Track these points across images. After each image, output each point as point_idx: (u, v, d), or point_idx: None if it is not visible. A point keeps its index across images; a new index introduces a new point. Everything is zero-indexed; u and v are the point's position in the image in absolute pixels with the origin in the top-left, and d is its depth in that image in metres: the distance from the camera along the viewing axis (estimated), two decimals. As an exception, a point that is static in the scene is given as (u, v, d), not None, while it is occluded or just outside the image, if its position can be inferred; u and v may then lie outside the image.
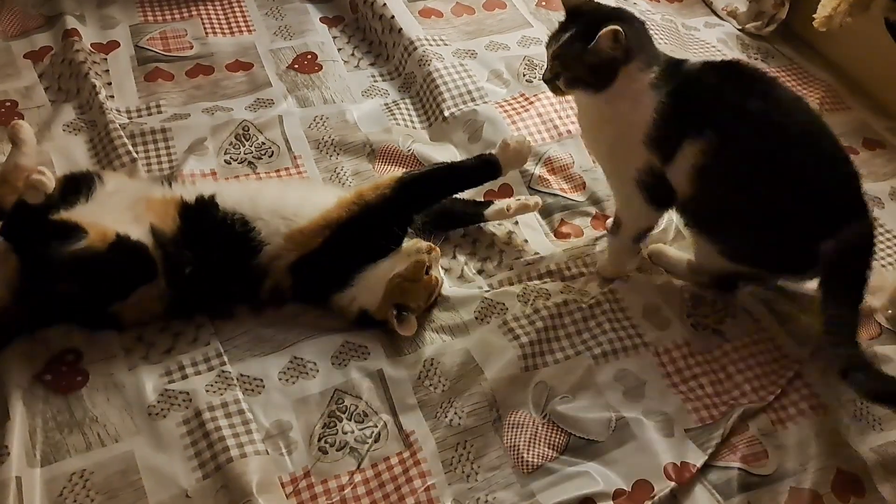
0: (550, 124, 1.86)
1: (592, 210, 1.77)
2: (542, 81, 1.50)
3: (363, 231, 1.49)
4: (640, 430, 1.39)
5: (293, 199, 1.53)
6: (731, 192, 1.41)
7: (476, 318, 1.53)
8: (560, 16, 2.13)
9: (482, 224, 1.70)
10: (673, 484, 1.31)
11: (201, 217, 1.49)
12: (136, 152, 1.76)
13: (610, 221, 1.72)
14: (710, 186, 1.41)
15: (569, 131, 1.86)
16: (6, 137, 1.68)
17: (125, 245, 1.40)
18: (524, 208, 1.69)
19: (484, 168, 1.57)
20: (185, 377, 1.41)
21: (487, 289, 1.60)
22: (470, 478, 1.33)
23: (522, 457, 1.36)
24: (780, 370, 1.49)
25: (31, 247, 1.38)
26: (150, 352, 1.45)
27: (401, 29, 2.05)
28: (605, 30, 1.32)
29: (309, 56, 2.08)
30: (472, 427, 1.38)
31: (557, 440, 1.38)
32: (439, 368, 1.45)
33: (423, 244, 1.49)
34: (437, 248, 1.50)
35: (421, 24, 2.09)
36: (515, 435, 1.38)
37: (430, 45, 2.02)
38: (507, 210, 1.68)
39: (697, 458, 1.35)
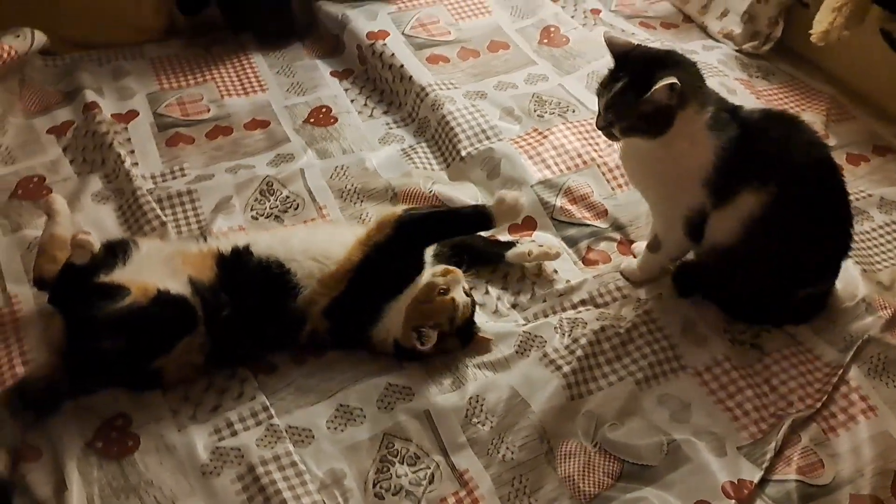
0: (567, 156, 1.90)
1: (617, 236, 1.79)
2: (591, 123, 1.56)
3: (379, 269, 1.51)
4: (693, 452, 1.39)
5: (321, 239, 1.57)
6: (775, 245, 1.46)
7: (516, 353, 1.54)
8: (562, 52, 2.26)
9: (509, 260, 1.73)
10: (733, 502, 1.31)
11: (237, 264, 1.52)
12: (165, 215, 1.79)
13: (637, 246, 1.75)
14: (758, 236, 1.45)
15: (585, 162, 1.89)
16: (39, 212, 1.73)
17: (166, 298, 1.42)
18: (545, 256, 1.70)
19: (477, 218, 1.59)
20: (234, 433, 1.42)
21: (523, 322, 1.62)
22: (529, 512, 1.33)
23: (579, 487, 1.35)
24: (824, 378, 1.50)
25: (78, 308, 1.41)
26: (196, 411, 1.45)
27: (411, 76, 2.10)
28: (660, 84, 1.34)
29: (324, 110, 2.12)
30: (525, 461, 1.38)
31: (612, 468, 1.38)
32: (485, 405, 1.46)
33: (439, 268, 1.52)
34: (456, 271, 1.52)
35: (430, 70, 2.15)
36: (569, 465, 1.38)
37: (441, 89, 2.07)
38: (529, 255, 1.69)
39: (753, 474, 1.35)
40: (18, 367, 1.47)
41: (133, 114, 2.08)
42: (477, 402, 1.46)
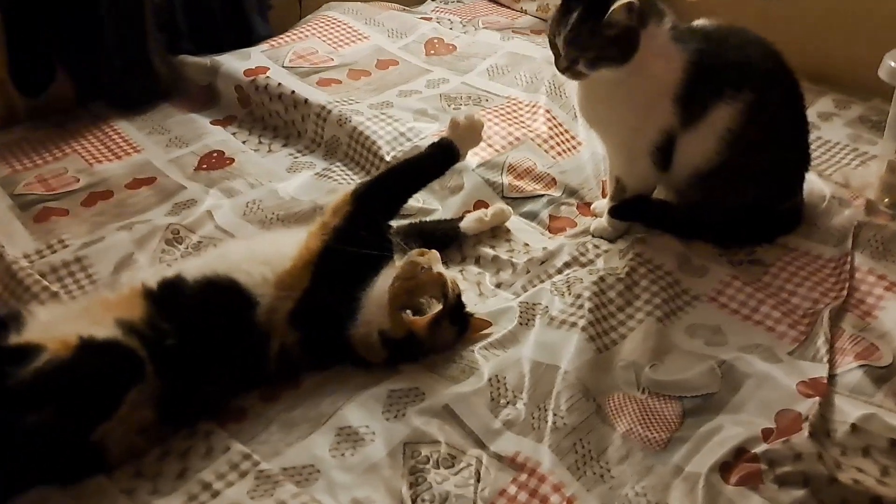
0: (497, 137, 1.78)
1: (573, 201, 1.68)
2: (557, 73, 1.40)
3: (346, 253, 1.29)
4: (748, 367, 1.24)
5: (266, 244, 1.36)
6: (757, 156, 1.42)
7: (521, 324, 1.35)
8: (453, 57, 2.20)
9: (468, 241, 1.55)
10: (817, 398, 1.16)
11: (171, 293, 1.24)
12: (53, 287, 1.46)
13: (597, 205, 1.64)
14: (740, 149, 1.40)
15: (517, 139, 1.79)
16: None
17: (94, 345, 1.11)
18: (501, 214, 1.58)
19: (440, 154, 1.43)
20: (216, 494, 1.09)
21: (514, 296, 1.43)
22: (605, 476, 1.11)
23: (647, 437, 1.16)
24: (834, 271, 1.43)
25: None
26: (158, 483, 1.12)
27: (306, 99, 1.93)
28: (617, 4, 1.27)
29: (215, 154, 1.89)
30: (579, 424, 1.17)
31: (672, 409, 1.20)
32: (508, 384, 1.24)
33: (415, 250, 1.32)
34: (433, 251, 1.32)
35: (323, 91, 1.99)
36: (626, 419, 1.18)
37: (343, 104, 1.91)
38: (485, 217, 1.56)
39: (820, 370, 1.22)
40: None
41: (-17, 201, 1.74)
42: (498, 382, 1.24)
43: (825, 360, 1.23)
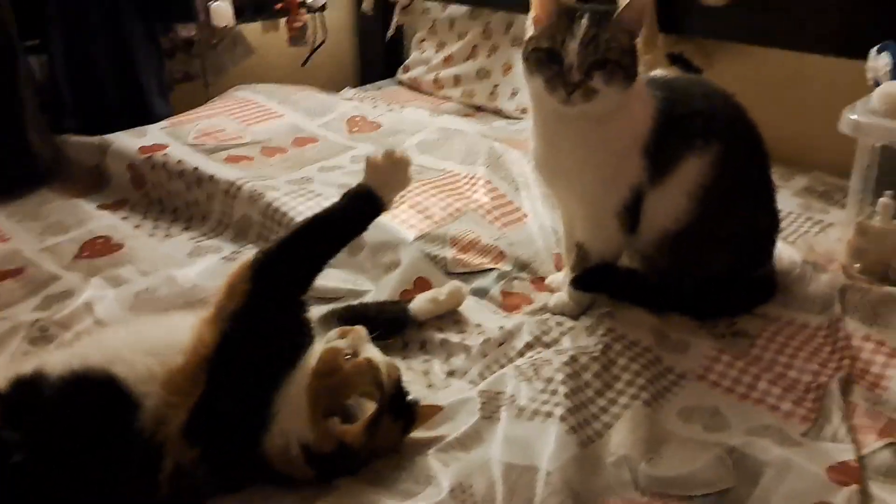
0: (436, 208, 1.58)
1: (525, 275, 1.48)
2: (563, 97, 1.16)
3: (249, 344, 1.01)
4: (763, 453, 1.03)
5: (152, 330, 1.06)
6: (730, 213, 1.29)
7: (483, 419, 1.10)
8: (379, 134, 2.03)
9: (416, 327, 1.31)
10: (854, 486, 0.95)
11: (27, 394, 0.94)
12: None
13: (552, 279, 1.45)
14: (712, 205, 1.26)
15: (458, 210, 1.59)
16: None
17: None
18: (457, 295, 1.35)
19: (358, 205, 1.11)
20: None
21: (471, 385, 1.19)
22: None
23: (659, 550, 0.91)
24: (827, 339, 1.27)
25: None
26: None
27: (212, 176, 1.69)
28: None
29: (100, 241, 1.60)
30: (575, 538, 0.92)
31: (683, 511, 0.96)
32: (476, 494, 0.97)
33: (333, 332, 1.06)
34: (357, 328, 1.06)
35: (233, 167, 1.76)
36: (630, 528, 0.94)
37: (256, 181, 1.68)
38: (439, 298, 1.33)
39: (847, 453, 1.02)
40: None
41: None
42: (463, 493, 0.97)
43: (848, 440, 1.04)
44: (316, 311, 1.17)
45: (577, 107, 1.17)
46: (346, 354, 1.01)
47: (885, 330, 1.27)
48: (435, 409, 1.09)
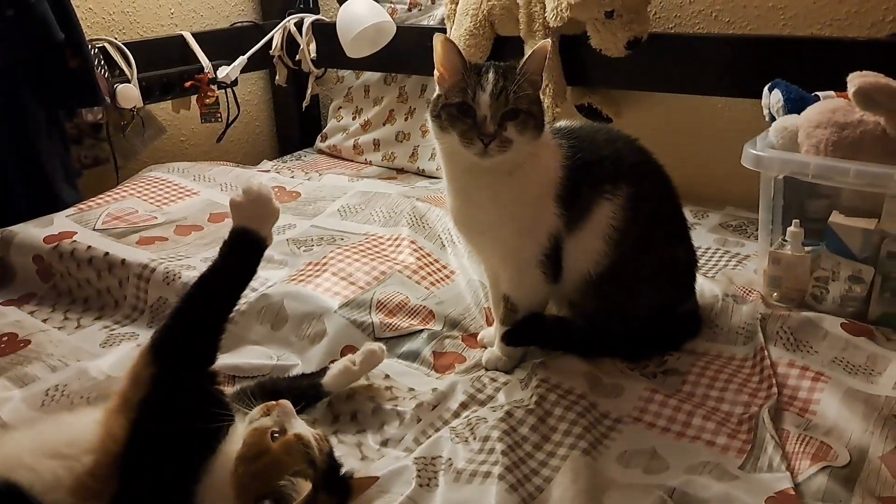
0: (360, 273, 1.56)
1: (456, 333, 1.46)
2: (478, 150, 1.17)
3: (161, 436, 0.95)
4: (704, 490, 1.02)
5: (56, 431, 0.98)
6: (647, 253, 1.32)
7: (420, 486, 1.06)
8: (297, 203, 2.01)
9: (340, 395, 1.27)
10: (794, 515, 0.95)
11: None
12: None
13: (484, 333, 1.44)
14: (627, 247, 1.29)
15: (383, 273, 1.57)
16: None
17: None
18: (372, 357, 1.30)
19: (238, 249, 1.07)
20: None
21: (406, 452, 1.15)
22: None
23: None
24: (754, 370, 1.29)
25: None
26: None
27: (124, 260, 1.62)
28: (541, 43, 1.19)
29: (4, 338, 1.51)
30: None
31: (629, 559, 0.94)
32: (418, 567, 0.93)
33: (255, 410, 1.01)
34: (281, 402, 1.01)
35: (146, 249, 1.70)
36: (578, 585, 0.90)
37: (171, 261, 1.62)
38: (353, 365, 1.28)
39: (783, 482, 1.02)
40: None
41: None
42: (404, 568, 0.93)
43: (784, 468, 1.04)
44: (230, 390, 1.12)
45: (493, 158, 1.18)
46: (273, 432, 0.96)
47: (807, 355, 1.30)
48: (370, 481, 1.05)
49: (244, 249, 1.07)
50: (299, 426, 0.99)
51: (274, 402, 1.01)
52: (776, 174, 1.47)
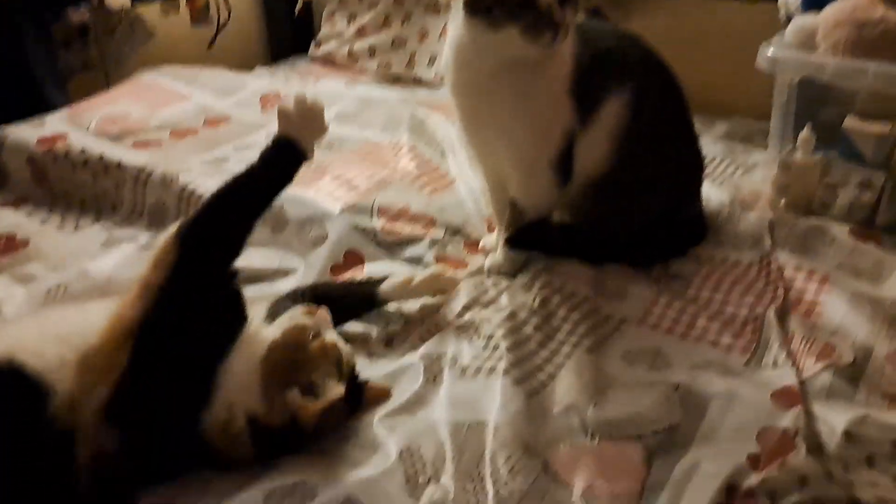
0: (361, 178, 1.53)
1: (458, 240, 1.44)
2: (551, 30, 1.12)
3: (180, 317, 0.95)
4: (708, 385, 1.03)
5: (60, 318, 0.98)
6: (651, 153, 1.28)
7: (427, 381, 1.06)
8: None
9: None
10: (798, 408, 0.96)
11: None
12: None
13: (486, 240, 1.42)
14: (633, 147, 1.25)
15: (383, 180, 1.54)
16: None
17: None
18: (434, 282, 1.23)
19: (279, 156, 1.04)
20: None
21: (411, 351, 1.15)
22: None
23: (614, 492, 0.89)
24: (760, 274, 1.28)
25: None
26: None
27: (120, 162, 1.59)
28: None
29: (3, 240, 1.49)
30: (528, 488, 0.89)
31: (633, 452, 0.95)
32: (425, 456, 0.94)
33: (297, 309, 1.02)
34: (321, 311, 1.02)
35: (141, 153, 1.66)
36: (584, 474, 0.91)
37: (168, 163, 1.59)
38: (409, 283, 1.22)
39: (787, 378, 1.03)
40: None
41: None
42: (412, 457, 0.94)
43: (788, 365, 1.05)
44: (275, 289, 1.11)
45: (553, 49, 1.15)
46: (313, 333, 0.97)
47: (814, 259, 1.30)
48: (384, 392, 1.05)
49: (284, 159, 1.05)
50: (334, 336, 1.00)
51: (314, 307, 1.03)
52: (792, 77, 1.43)
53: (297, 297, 1.14)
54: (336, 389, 0.93)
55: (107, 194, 1.60)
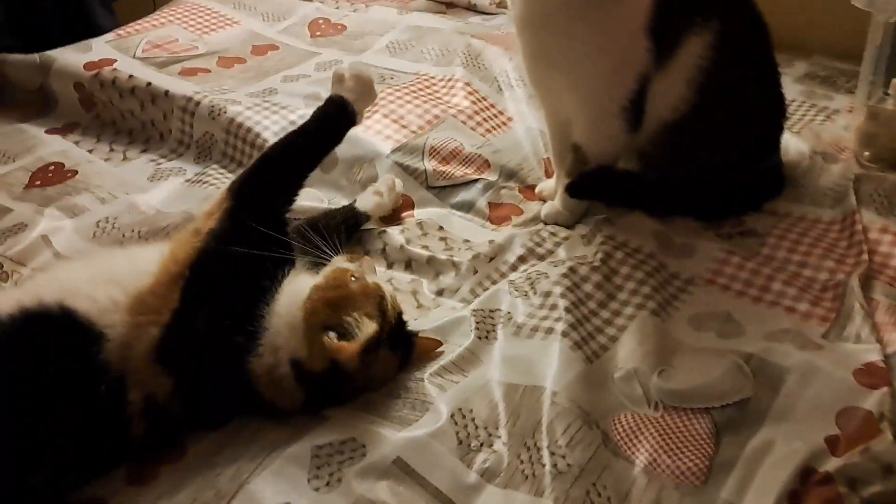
0: (412, 116, 1.45)
1: (513, 184, 1.37)
2: None
3: (231, 258, 0.93)
4: (784, 358, 0.96)
5: (112, 261, 1.00)
6: (731, 98, 1.18)
7: (479, 339, 1.02)
8: (343, 37, 1.86)
9: (404, 244, 1.21)
10: (884, 389, 0.89)
11: None
12: None
13: (543, 186, 1.35)
14: (712, 92, 1.16)
15: (436, 117, 1.46)
16: None
17: None
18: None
19: (332, 115, 1.10)
20: None
21: (464, 304, 1.10)
22: (637, 532, 0.79)
23: (678, 468, 0.85)
24: (842, 234, 1.19)
25: None
26: None
27: (167, 91, 1.53)
28: None
29: (52, 167, 1.46)
30: (588, 462, 0.84)
31: (701, 426, 0.90)
32: (477, 419, 0.90)
33: (343, 255, 1.01)
34: (366, 258, 1.05)
35: (189, 81, 1.60)
36: (646, 448, 0.87)
37: (215, 94, 1.53)
38: (380, 196, 1.28)
39: (871, 354, 0.95)
40: None
41: None
42: (463, 418, 0.90)
43: (873, 339, 0.97)
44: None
45: None
46: (354, 276, 0.95)
47: (900, 215, 1.20)
48: (435, 344, 1.01)
49: (336, 118, 1.10)
50: (378, 279, 0.98)
51: (360, 254, 1.07)
52: (890, 16, 1.29)
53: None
54: (371, 328, 0.89)
55: (154, 124, 1.55)
